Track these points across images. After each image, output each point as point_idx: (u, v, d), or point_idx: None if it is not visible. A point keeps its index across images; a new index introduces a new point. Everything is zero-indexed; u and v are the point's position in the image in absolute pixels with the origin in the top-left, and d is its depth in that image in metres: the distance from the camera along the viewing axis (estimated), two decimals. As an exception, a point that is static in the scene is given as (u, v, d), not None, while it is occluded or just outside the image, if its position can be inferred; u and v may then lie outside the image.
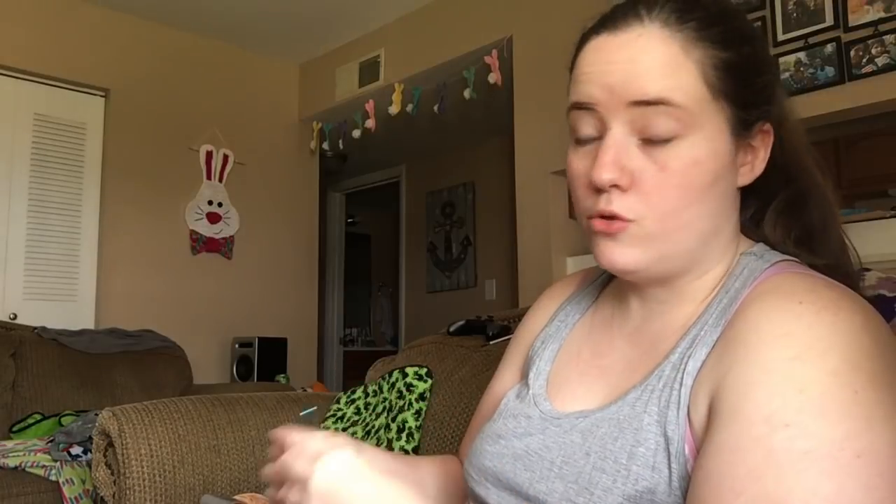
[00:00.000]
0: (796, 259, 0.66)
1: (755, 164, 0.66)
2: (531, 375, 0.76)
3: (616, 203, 0.62)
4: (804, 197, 0.70)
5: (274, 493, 0.61)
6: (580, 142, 0.66)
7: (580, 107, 0.64)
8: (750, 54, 0.64)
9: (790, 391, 0.52)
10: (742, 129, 0.64)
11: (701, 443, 0.57)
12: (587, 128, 0.64)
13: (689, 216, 0.62)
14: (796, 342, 0.54)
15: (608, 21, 0.65)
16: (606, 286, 0.79)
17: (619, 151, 0.62)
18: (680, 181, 0.61)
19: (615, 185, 0.62)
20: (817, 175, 0.71)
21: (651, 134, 0.61)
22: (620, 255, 0.63)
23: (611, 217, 0.63)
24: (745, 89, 0.64)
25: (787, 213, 0.70)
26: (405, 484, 0.59)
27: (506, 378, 0.86)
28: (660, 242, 0.63)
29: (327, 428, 1.61)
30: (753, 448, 0.51)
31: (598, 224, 0.63)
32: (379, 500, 0.56)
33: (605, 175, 0.61)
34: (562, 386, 0.73)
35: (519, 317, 1.64)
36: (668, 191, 0.61)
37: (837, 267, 0.68)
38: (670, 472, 0.58)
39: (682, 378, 0.60)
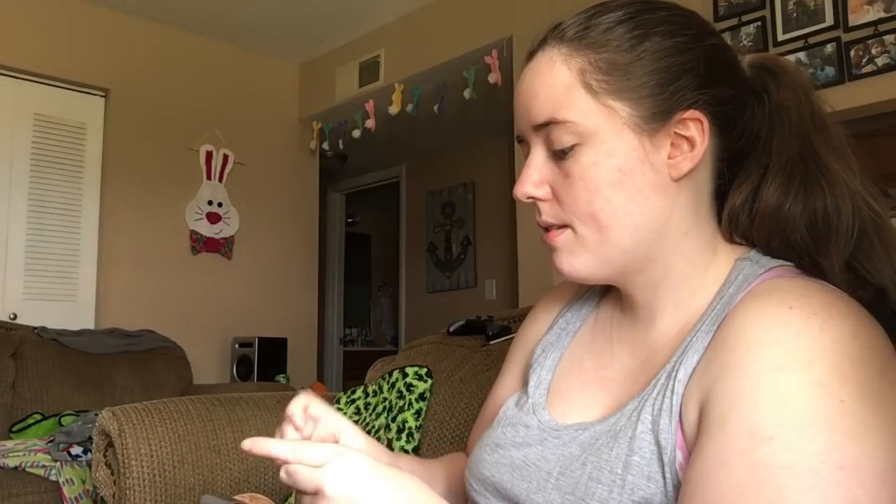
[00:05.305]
0: (791, 263, 0.65)
1: (692, 153, 0.65)
2: (531, 384, 0.76)
3: (544, 213, 0.68)
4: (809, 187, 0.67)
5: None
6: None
7: (517, 140, 0.71)
8: (649, 48, 0.63)
9: (774, 404, 0.52)
10: (653, 121, 0.63)
11: (692, 450, 0.56)
12: (526, 154, 0.70)
13: (611, 214, 0.64)
14: (783, 351, 0.54)
15: (531, 49, 0.70)
16: (608, 291, 0.78)
17: (535, 169, 0.68)
18: (584, 184, 0.65)
19: (536, 199, 0.68)
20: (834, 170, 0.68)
21: (555, 148, 0.66)
22: (566, 263, 0.68)
23: (547, 228, 0.68)
24: (639, 84, 0.63)
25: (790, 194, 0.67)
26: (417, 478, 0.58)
27: (506, 384, 0.86)
28: (595, 245, 0.66)
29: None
30: (737, 463, 0.51)
31: (544, 238, 0.69)
32: (397, 494, 0.55)
33: (519, 192, 0.68)
34: (563, 395, 0.73)
35: (519, 317, 1.64)
36: (575, 194, 0.65)
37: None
38: (665, 481, 0.58)
39: (673, 386, 0.60)
